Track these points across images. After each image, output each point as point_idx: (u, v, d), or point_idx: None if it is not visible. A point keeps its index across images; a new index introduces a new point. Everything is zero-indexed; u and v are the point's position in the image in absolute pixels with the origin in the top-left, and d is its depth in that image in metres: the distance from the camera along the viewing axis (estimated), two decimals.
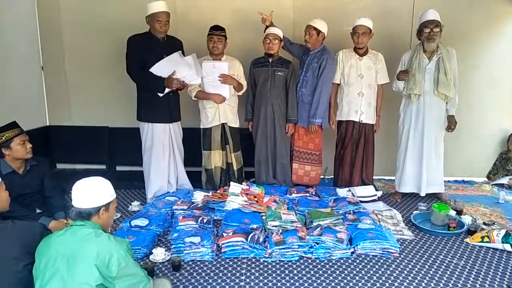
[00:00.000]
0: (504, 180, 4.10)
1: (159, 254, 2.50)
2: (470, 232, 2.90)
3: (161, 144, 3.46)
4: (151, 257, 2.51)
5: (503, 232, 2.70)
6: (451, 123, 3.47)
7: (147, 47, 3.29)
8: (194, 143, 3.74)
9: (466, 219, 3.07)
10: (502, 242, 2.65)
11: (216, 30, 3.46)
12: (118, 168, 4.35)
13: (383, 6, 4.04)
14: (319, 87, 3.59)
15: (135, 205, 3.41)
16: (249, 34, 3.95)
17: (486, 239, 2.73)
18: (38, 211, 2.73)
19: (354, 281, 2.32)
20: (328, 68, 3.57)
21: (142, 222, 2.87)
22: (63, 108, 4.29)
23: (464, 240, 2.83)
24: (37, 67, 4.15)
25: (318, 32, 3.56)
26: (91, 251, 1.63)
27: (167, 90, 3.29)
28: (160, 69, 3.23)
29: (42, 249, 1.71)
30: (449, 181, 4.17)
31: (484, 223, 3.08)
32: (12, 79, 3.67)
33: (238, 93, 3.68)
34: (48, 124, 4.28)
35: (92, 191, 1.77)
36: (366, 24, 3.49)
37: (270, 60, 3.64)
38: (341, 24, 3.88)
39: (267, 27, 3.63)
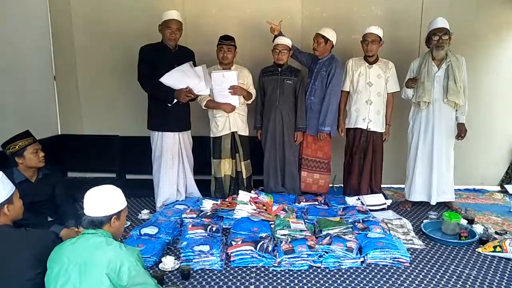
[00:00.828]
0: None
1: (168, 263, 2.51)
2: (482, 242, 2.86)
3: (171, 153, 3.49)
4: (160, 265, 2.52)
5: None
6: (461, 131, 3.44)
7: (158, 56, 3.35)
8: (204, 151, 3.77)
9: (478, 228, 3.03)
10: None
11: (226, 39, 3.50)
12: (128, 176, 4.39)
13: (392, 14, 4.05)
14: (328, 95, 3.61)
15: (144, 214, 3.43)
16: (258, 43, 3.99)
17: (498, 248, 2.68)
18: (49, 219, 2.76)
19: None
20: (336, 77, 3.58)
21: (151, 230, 2.89)
22: (75, 117, 4.36)
23: (476, 249, 2.79)
24: (49, 77, 4.24)
25: (326, 40, 3.58)
26: (103, 260, 1.65)
27: (176, 100, 3.33)
28: (170, 78, 3.28)
29: (54, 257, 1.73)
30: (459, 189, 4.13)
31: (496, 233, 3.03)
32: (25, 89, 3.74)
33: (248, 102, 3.70)
34: (60, 133, 4.36)
35: (104, 200, 1.80)
36: (376, 32, 3.50)
37: (279, 69, 3.67)
38: (350, 32, 3.90)
39: (275, 36, 3.66)
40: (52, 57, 4.24)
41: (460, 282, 2.38)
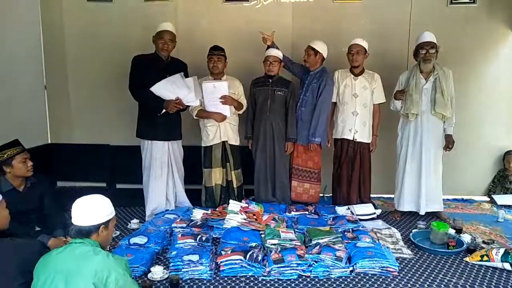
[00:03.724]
0: (510, 201, 4.07)
1: (157, 272, 2.49)
2: (470, 251, 2.89)
3: (160, 162, 3.49)
4: (149, 275, 2.50)
5: (502, 251, 2.69)
6: (448, 142, 3.50)
7: (150, 66, 3.38)
8: (195, 161, 3.77)
9: (466, 238, 3.06)
10: (502, 261, 2.64)
11: (216, 50, 3.54)
12: (118, 186, 4.37)
13: (381, 28, 4.13)
14: (318, 107, 3.65)
15: (134, 223, 3.40)
16: (250, 54, 4.04)
17: (485, 258, 2.71)
18: (37, 228, 2.73)
19: None
20: (327, 89, 3.63)
21: (140, 240, 2.87)
22: (65, 126, 4.35)
23: (464, 259, 2.81)
24: (40, 86, 4.24)
25: (316, 52, 3.63)
26: (90, 269, 1.64)
27: (164, 110, 3.35)
28: (160, 88, 3.30)
29: (40, 267, 1.71)
30: (448, 199, 4.17)
31: (483, 242, 3.06)
32: (15, 97, 3.74)
33: (239, 112, 3.73)
34: (49, 142, 4.33)
35: (92, 209, 1.79)
36: (361, 43, 3.58)
37: (270, 80, 3.71)
38: (339, 45, 3.96)
39: (268, 47, 3.71)
40: (43, 66, 4.24)
41: None
